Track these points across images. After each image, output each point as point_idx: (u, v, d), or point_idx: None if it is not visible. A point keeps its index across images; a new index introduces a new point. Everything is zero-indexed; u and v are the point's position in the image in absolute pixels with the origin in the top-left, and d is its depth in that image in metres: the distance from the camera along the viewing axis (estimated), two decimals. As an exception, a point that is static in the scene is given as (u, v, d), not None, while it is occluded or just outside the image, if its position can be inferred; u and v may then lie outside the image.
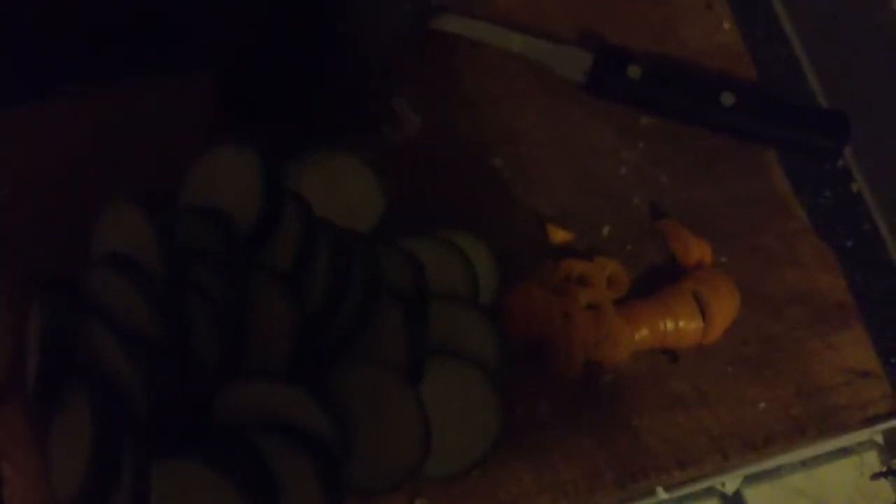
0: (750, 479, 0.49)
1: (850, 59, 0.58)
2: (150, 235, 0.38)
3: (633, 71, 0.49)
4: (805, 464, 0.68)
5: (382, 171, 0.45)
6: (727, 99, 0.49)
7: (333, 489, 0.37)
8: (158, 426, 0.37)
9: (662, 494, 0.43)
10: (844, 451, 0.86)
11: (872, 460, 0.90)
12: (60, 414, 0.38)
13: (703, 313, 0.45)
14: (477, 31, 0.50)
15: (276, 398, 0.37)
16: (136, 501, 0.35)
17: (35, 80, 0.47)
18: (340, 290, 0.39)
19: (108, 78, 0.46)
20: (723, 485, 0.48)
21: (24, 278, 0.42)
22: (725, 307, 0.45)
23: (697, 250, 0.47)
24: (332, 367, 0.39)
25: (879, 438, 0.74)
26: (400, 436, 0.39)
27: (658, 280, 0.47)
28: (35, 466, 0.39)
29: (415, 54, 0.50)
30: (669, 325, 0.44)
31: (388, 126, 0.48)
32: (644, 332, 0.44)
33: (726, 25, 0.54)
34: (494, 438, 0.40)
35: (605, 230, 0.48)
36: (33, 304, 0.39)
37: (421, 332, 0.40)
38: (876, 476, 0.91)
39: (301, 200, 0.41)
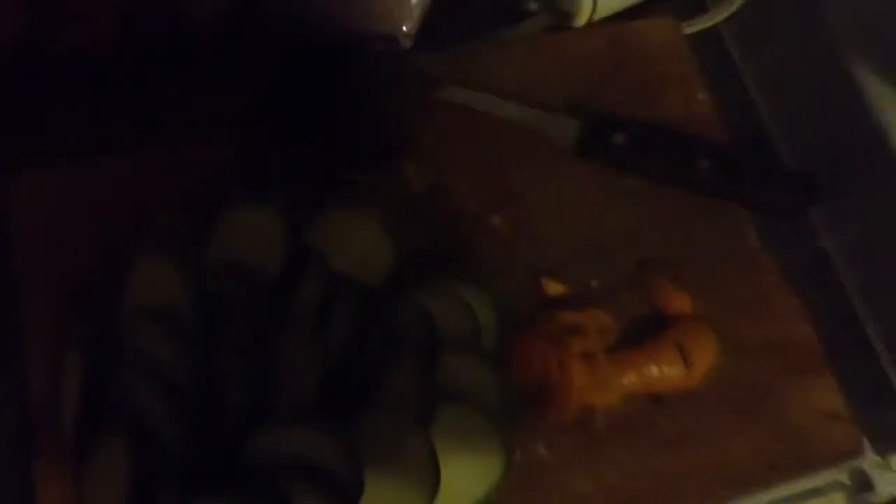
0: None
1: (813, 126, 0.64)
2: (183, 287, 0.42)
3: (619, 137, 0.54)
4: (775, 505, 0.71)
5: (391, 228, 0.49)
6: (703, 163, 0.54)
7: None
8: (191, 468, 0.39)
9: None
10: (813, 493, 0.90)
11: (839, 502, 0.94)
12: (96, 454, 0.40)
13: (685, 360, 0.49)
14: (477, 101, 0.54)
15: (300, 440, 0.40)
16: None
17: (66, 143, 0.50)
18: (359, 341, 0.43)
19: (135, 143, 0.50)
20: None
21: (57, 326, 0.45)
22: (705, 354, 0.49)
23: (678, 302, 0.51)
24: (352, 412, 0.42)
25: (846, 479, 0.78)
26: (412, 475, 0.41)
27: (643, 329, 0.50)
28: (70, 502, 0.42)
29: (421, 121, 0.54)
30: (655, 371, 0.48)
31: (396, 186, 0.52)
32: (632, 378, 0.48)
33: (700, 95, 0.59)
34: (497, 479, 0.43)
35: (595, 283, 0.52)
36: (69, 351, 0.42)
37: (431, 378, 0.43)
38: (845, 513, 0.93)
39: (320, 256, 0.44)
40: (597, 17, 0.59)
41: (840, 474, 0.79)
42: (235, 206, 0.45)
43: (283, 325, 0.42)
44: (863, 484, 0.78)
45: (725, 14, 0.64)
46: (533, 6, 0.61)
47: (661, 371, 0.48)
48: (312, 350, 0.41)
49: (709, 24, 0.64)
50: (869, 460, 0.67)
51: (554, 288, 0.51)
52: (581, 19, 0.59)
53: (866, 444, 0.65)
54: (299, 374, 0.41)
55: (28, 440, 0.43)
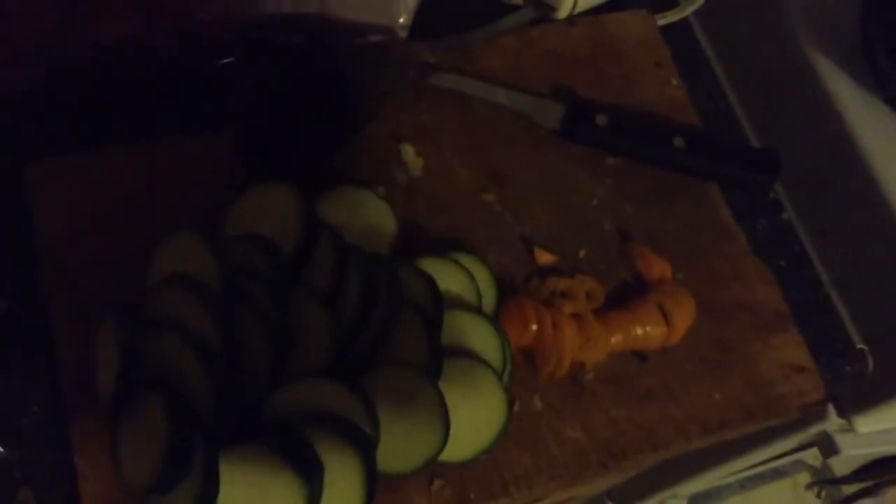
0: (694, 501, 0.56)
1: (776, 108, 0.69)
2: (210, 259, 0.45)
3: (600, 119, 0.58)
4: (743, 486, 0.76)
5: (393, 204, 0.53)
6: (678, 142, 0.58)
7: (370, 469, 0.43)
8: (222, 422, 0.43)
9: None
10: (779, 473, 0.95)
11: (805, 481, 0.99)
12: (131, 416, 0.44)
13: (666, 320, 0.53)
14: (469, 87, 0.59)
15: (320, 394, 0.44)
16: (207, 483, 0.41)
17: (92, 133, 0.53)
18: (369, 304, 0.47)
19: (152, 133, 0.53)
20: (669, 505, 0.55)
21: (82, 304, 0.48)
22: (684, 315, 0.54)
23: (659, 268, 0.56)
24: (365, 368, 0.46)
25: (810, 460, 0.83)
26: (423, 425, 0.45)
27: (627, 293, 0.55)
28: (106, 463, 0.45)
29: (418, 107, 0.58)
30: (639, 330, 0.53)
31: (397, 168, 0.56)
32: (618, 337, 0.53)
33: (674, 81, 0.64)
34: (500, 428, 0.48)
35: (582, 252, 0.56)
36: (104, 323, 0.46)
37: (437, 336, 0.47)
38: (810, 486, 1.00)
39: (333, 230, 0.48)
40: (578, 10, 0.64)
41: (805, 455, 0.84)
42: (253, 186, 0.49)
43: (301, 290, 0.46)
44: (829, 448, 0.84)
45: (695, 7, 0.69)
46: (518, 0, 0.65)
47: (645, 330, 0.53)
48: (327, 313, 0.45)
49: (680, 16, 0.69)
50: (833, 423, 0.72)
51: (545, 257, 0.55)
52: (563, 12, 0.64)
53: (830, 409, 0.70)
54: (316, 335, 0.45)
55: (63, 413, 0.47)
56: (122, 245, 0.50)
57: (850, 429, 0.73)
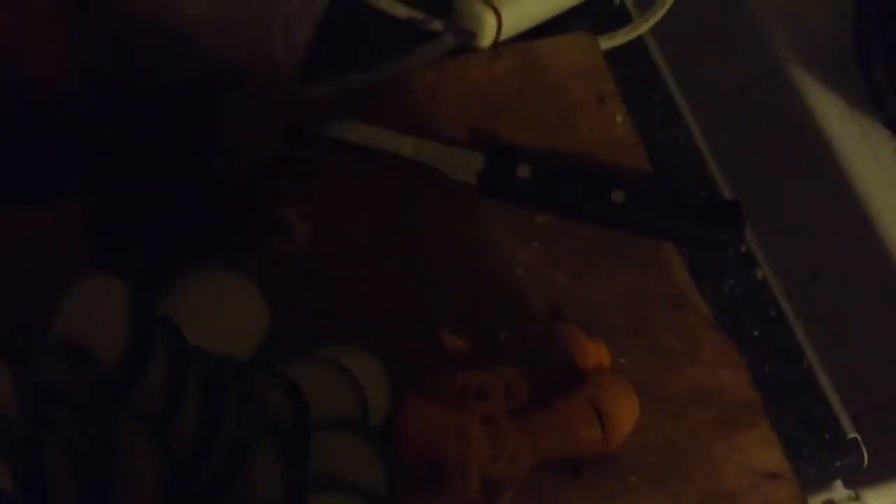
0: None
1: (749, 138, 0.59)
2: (7, 379, 0.36)
3: (523, 171, 0.49)
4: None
5: (268, 284, 0.44)
6: (618, 196, 0.49)
7: None
8: None
9: None
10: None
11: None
12: None
13: (602, 422, 0.44)
14: (367, 137, 0.50)
15: (141, 554, 0.35)
16: None
17: None
18: (212, 430, 0.38)
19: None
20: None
21: None
22: (625, 414, 0.44)
23: (594, 354, 0.46)
24: (205, 513, 0.37)
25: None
26: (280, 583, 0.37)
27: (558, 385, 0.45)
28: None
29: (304, 162, 0.49)
30: (568, 436, 0.43)
31: (276, 237, 0.47)
32: (542, 445, 0.43)
33: (619, 118, 0.54)
34: (386, 576, 0.39)
35: (503, 335, 0.47)
36: None
37: (299, 467, 0.38)
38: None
39: (171, 330, 0.39)
40: (504, 36, 0.55)
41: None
42: (78, 278, 0.40)
43: (124, 416, 0.37)
44: (838, 520, 0.75)
45: (650, 24, 0.59)
46: (437, 25, 0.56)
47: (576, 436, 0.43)
48: (156, 445, 0.36)
49: (632, 35, 0.59)
50: (840, 493, 0.63)
51: (455, 343, 0.46)
52: (486, 39, 0.54)
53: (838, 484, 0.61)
54: (141, 475, 0.36)
55: None
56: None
57: (857, 499, 0.64)
